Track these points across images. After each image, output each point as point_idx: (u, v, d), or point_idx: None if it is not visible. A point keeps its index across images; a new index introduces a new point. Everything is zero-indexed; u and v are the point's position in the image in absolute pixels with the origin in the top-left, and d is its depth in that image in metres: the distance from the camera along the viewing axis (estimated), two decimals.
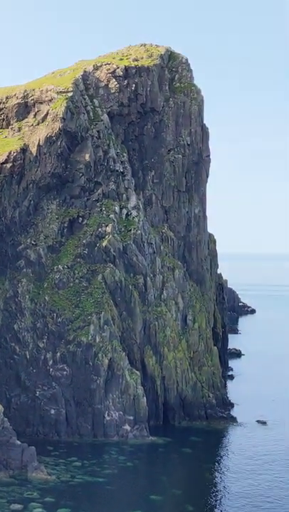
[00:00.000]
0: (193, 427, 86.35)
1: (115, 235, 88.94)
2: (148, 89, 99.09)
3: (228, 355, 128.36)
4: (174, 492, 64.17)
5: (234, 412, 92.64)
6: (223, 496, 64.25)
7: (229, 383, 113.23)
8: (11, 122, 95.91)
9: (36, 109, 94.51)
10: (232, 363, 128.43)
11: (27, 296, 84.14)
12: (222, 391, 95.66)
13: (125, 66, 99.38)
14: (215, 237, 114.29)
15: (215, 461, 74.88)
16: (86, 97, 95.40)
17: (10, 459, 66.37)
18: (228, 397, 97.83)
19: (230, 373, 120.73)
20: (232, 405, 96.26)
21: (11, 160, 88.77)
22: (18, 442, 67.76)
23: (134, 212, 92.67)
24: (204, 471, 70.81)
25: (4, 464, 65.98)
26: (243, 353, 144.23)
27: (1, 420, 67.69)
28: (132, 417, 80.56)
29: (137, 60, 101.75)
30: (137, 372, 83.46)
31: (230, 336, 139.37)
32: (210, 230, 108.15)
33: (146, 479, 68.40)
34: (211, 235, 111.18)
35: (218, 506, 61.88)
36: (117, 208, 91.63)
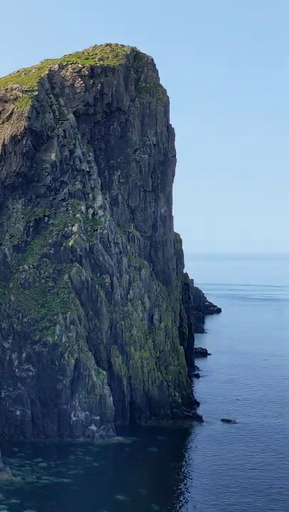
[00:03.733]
0: (159, 427, 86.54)
1: (81, 234, 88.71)
2: (114, 88, 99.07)
3: (194, 354, 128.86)
4: (140, 492, 64.24)
5: (200, 411, 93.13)
6: (189, 495, 64.51)
7: (195, 382, 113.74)
8: None
9: (1, 108, 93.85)
10: (198, 362, 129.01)
11: None
12: (188, 390, 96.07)
13: (91, 65, 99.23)
14: (181, 237, 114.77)
15: (181, 460, 75.19)
16: (52, 96, 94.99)
17: None
18: (193, 396, 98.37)
19: (196, 372, 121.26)
20: (198, 404, 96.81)
21: None
22: None
23: (100, 212, 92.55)
24: (170, 471, 71.01)
25: None
26: (209, 352, 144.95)
27: None
28: (98, 417, 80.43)
29: (102, 60, 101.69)
30: (104, 372, 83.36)
31: (196, 335, 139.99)
32: (176, 229, 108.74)
33: (112, 479, 68.37)
34: (176, 235, 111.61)
35: (184, 505, 62.13)
36: (83, 208, 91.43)
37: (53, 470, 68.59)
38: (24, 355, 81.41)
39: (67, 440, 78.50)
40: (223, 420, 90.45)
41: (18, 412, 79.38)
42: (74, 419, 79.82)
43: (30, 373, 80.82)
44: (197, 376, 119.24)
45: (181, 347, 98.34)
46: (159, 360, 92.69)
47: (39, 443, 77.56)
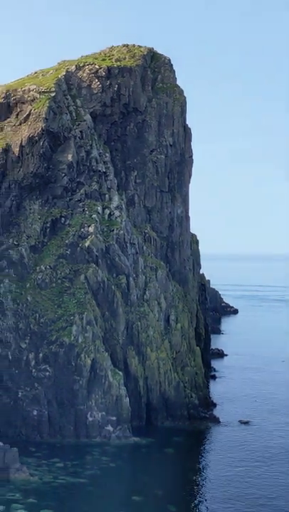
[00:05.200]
0: (175, 428, 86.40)
1: (98, 235, 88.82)
2: (131, 89, 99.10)
3: (210, 355, 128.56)
4: (156, 493, 64.14)
5: (217, 412, 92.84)
6: (206, 496, 64.32)
7: (212, 383, 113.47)
8: None
9: (18, 109, 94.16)
10: (215, 363, 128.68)
11: (9, 297, 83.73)
12: (205, 391, 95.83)
13: (108, 66, 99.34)
14: (198, 238, 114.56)
15: (197, 462, 75.03)
16: (69, 97, 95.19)
17: None
18: (210, 398, 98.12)
19: (212, 373, 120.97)
20: (214, 405, 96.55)
21: None
22: (0, 443, 67.43)
23: (116, 213, 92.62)
24: (187, 472, 70.89)
25: None
26: (225, 353, 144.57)
27: None
28: (114, 418, 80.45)
29: (119, 61, 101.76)
30: (120, 373, 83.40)
31: (212, 336, 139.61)
32: (193, 230, 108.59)
33: (128, 480, 68.34)
34: (193, 236, 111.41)
35: (200, 507, 61.96)
36: (99, 208, 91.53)
37: (70, 470, 68.72)
38: (41, 355, 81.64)
39: (84, 440, 78.61)
40: (240, 422, 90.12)
41: (35, 412, 79.59)
42: (90, 419, 79.91)
43: (47, 373, 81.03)
44: (214, 377, 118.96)
45: (198, 348, 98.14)
46: (176, 360, 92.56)
47: (56, 443, 77.74)
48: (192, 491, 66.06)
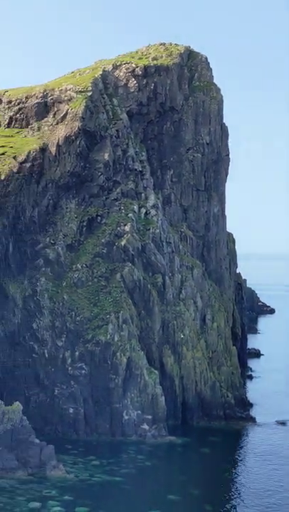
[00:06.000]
0: (211, 427, 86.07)
1: (134, 234, 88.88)
2: (167, 88, 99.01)
3: (247, 355, 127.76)
4: (192, 492, 63.98)
5: (253, 413, 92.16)
6: (242, 496, 63.92)
7: (248, 383, 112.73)
8: (31, 122, 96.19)
9: (56, 109, 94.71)
10: (251, 363, 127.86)
11: (46, 295, 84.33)
12: (241, 391, 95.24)
13: (144, 65, 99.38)
14: (234, 237, 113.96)
15: (233, 462, 74.58)
16: (105, 96, 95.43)
17: (29, 457, 66.59)
18: (247, 397, 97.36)
19: (249, 373, 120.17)
20: (251, 405, 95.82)
21: (31, 159, 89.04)
22: (37, 441, 67.96)
23: (152, 212, 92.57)
24: (223, 471, 70.54)
25: (23, 462, 66.20)
26: (262, 353, 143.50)
27: (20, 419, 67.93)
28: (150, 417, 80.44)
29: (156, 59, 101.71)
30: (156, 372, 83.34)
31: (249, 335, 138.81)
32: (230, 229, 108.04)
33: (164, 479, 68.27)
34: (230, 234, 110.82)
35: (236, 506, 61.56)
36: (135, 207, 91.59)
37: (106, 468, 68.91)
38: (77, 353, 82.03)
39: (119, 439, 78.76)
40: (277, 422, 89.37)
41: (71, 410, 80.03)
42: (126, 418, 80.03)
43: (83, 372, 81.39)
44: (250, 377, 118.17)
45: (234, 347, 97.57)
46: (212, 360, 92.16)
47: (92, 441, 78.04)
48: (228, 491, 65.66)
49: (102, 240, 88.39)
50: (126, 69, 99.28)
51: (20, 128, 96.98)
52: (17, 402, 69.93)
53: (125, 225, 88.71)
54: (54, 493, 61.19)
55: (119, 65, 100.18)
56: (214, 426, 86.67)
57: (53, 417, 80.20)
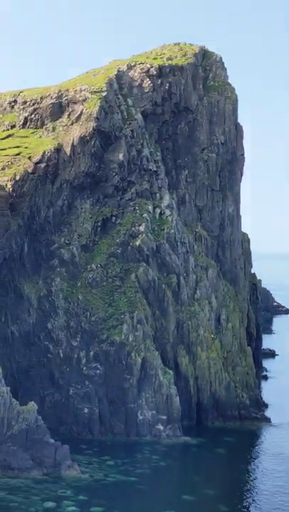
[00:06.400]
0: (226, 428, 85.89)
1: (148, 234, 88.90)
2: (182, 88, 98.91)
3: (261, 355, 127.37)
4: (207, 492, 63.89)
5: (268, 413, 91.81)
6: (257, 496, 63.76)
7: (263, 383, 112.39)
8: (46, 122, 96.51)
9: (70, 109, 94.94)
10: (266, 363, 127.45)
11: (61, 295, 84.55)
12: (256, 391, 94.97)
13: (159, 65, 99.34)
14: (249, 236, 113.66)
15: (248, 462, 74.42)
16: (120, 96, 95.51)
17: (43, 457, 66.79)
18: (262, 398, 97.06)
19: (264, 374, 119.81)
20: (266, 406, 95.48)
21: (46, 160, 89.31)
22: (52, 440, 68.16)
23: (167, 212, 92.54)
24: (238, 472, 70.38)
25: (38, 462, 66.40)
26: (277, 353, 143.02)
27: (34, 418, 68.16)
28: (165, 417, 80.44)
29: (170, 59, 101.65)
30: (170, 372, 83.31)
31: (264, 336, 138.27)
32: (245, 229, 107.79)
33: (179, 479, 68.24)
34: (244, 234, 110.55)
35: (251, 507, 61.42)
36: (150, 207, 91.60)
37: (120, 468, 68.97)
38: (92, 353, 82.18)
39: (134, 439, 78.80)
40: None
41: (85, 410, 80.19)
42: (141, 418, 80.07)
43: (98, 371, 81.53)
44: (265, 377, 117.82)
45: (249, 348, 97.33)
46: (227, 360, 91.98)
47: (106, 441, 78.14)
48: (243, 491, 65.53)
49: (117, 240, 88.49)
50: (140, 69, 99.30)
51: (35, 128, 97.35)
52: (32, 402, 70.21)
53: (140, 225, 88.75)
54: (69, 493, 61.33)
55: (134, 66, 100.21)
56: (229, 426, 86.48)
57: (68, 417, 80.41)
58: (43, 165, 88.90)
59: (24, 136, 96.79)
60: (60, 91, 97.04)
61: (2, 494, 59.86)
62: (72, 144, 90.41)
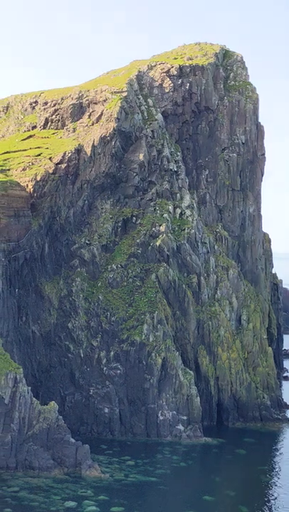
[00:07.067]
0: (247, 429, 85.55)
1: (169, 234, 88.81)
2: (202, 88, 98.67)
3: (283, 356, 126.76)
4: (227, 493, 63.68)
5: None
6: (278, 497, 63.42)
7: (284, 384, 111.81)
8: (66, 123, 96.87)
9: (91, 110, 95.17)
10: (287, 364, 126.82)
11: (81, 295, 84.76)
12: (277, 392, 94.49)
13: (179, 65, 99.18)
14: (270, 236, 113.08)
15: (269, 463, 74.05)
16: (140, 96, 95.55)
17: (64, 456, 67.02)
18: (283, 399, 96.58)
19: (285, 374, 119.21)
20: (287, 407, 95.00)
21: (66, 160, 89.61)
22: (73, 440, 68.34)
23: (187, 212, 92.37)
24: (258, 473, 70.04)
25: (59, 462, 66.65)
26: None
27: (55, 418, 68.40)
28: (185, 417, 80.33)
29: (191, 59, 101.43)
30: (191, 372, 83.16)
31: (285, 336, 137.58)
32: (265, 229, 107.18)
33: (199, 479, 68.08)
34: (265, 234, 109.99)
35: (272, 508, 61.10)
36: (170, 208, 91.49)
37: (141, 468, 68.96)
38: (112, 353, 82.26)
39: (154, 439, 78.76)
40: None
41: (106, 410, 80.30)
42: (161, 418, 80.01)
43: (118, 372, 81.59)
44: (286, 378, 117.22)
45: (270, 348, 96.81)
46: (247, 361, 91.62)
47: (127, 441, 78.18)
48: (264, 492, 65.20)
49: (137, 241, 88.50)
50: (161, 69, 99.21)
51: (56, 129, 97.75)
52: (53, 402, 70.48)
53: (160, 226, 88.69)
54: (89, 493, 61.42)
55: (154, 66, 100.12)
56: (250, 427, 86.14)
57: (89, 416, 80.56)
58: (63, 165, 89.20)
59: (45, 137, 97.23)
60: (80, 92, 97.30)
61: (23, 493, 60.15)
62: (93, 144, 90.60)
